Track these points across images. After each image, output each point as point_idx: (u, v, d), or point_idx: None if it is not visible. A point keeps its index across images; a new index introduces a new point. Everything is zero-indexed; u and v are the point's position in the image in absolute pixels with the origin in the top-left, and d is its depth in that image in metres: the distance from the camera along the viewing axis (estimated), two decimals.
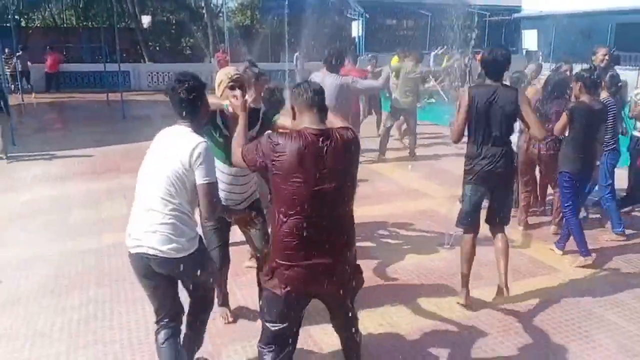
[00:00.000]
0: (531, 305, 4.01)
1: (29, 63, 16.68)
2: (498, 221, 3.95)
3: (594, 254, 4.73)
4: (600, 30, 16.53)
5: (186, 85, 2.64)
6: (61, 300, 4.12)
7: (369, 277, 4.42)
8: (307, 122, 2.47)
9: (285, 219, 2.42)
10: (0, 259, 4.77)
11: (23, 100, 14.97)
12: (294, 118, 2.56)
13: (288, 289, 2.47)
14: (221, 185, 3.08)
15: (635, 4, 16.81)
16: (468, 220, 3.91)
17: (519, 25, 21.20)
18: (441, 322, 3.79)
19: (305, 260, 2.44)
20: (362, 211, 5.47)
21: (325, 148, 2.40)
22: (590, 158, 4.67)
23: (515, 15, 21.43)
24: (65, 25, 27.47)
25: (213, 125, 3.26)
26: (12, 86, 15.73)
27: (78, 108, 15.21)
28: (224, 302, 3.83)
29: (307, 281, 2.48)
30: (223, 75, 3.31)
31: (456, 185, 5.41)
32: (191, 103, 2.67)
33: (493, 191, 3.88)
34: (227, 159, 3.10)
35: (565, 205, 4.73)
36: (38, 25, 27.09)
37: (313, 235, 2.41)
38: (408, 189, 7.08)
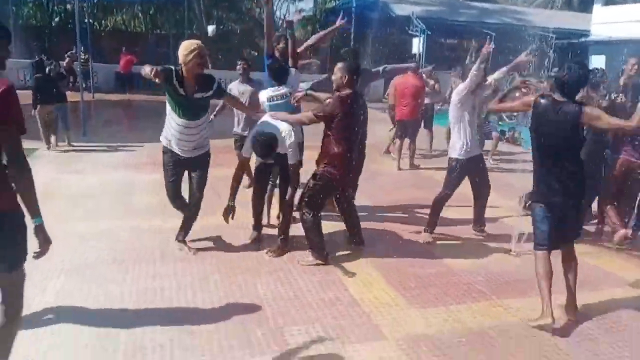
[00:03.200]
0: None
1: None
2: (568, 237, 3.77)
3: None
4: None
5: None
6: (129, 270, 4.24)
7: (435, 276, 4.37)
8: None
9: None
10: (70, 232, 4.96)
11: (93, 97, 15.74)
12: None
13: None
14: (176, 134, 4.29)
15: None
16: (545, 241, 3.71)
17: (586, 49, 20.54)
18: (507, 324, 3.67)
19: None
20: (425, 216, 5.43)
21: None
22: None
23: (583, 39, 20.81)
24: (135, 30, 28.73)
25: (172, 84, 4.11)
26: (84, 84, 16.56)
27: (145, 107, 15.78)
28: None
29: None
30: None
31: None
32: None
33: (562, 208, 3.68)
34: (183, 114, 4.22)
35: None
36: (110, 29, 28.46)
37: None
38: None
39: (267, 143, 4.35)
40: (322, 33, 5.77)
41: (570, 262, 3.76)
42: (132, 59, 18.95)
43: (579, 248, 3.93)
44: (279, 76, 4.99)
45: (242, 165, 4.73)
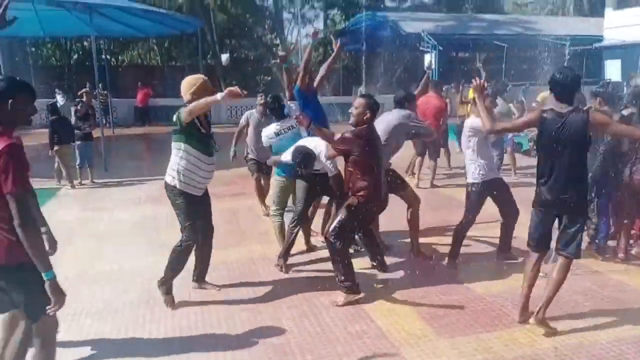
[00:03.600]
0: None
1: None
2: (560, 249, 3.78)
3: None
4: None
5: None
6: (155, 310, 4.27)
7: (463, 303, 4.31)
8: None
9: None
10: (94, 272, 5.02)
11: (114, 132, 16.06)
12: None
13: None
14: (205, 175, 4.24)
15: None
16: (535, 242, 3.87)
17: (600, 55, 20.38)
18: (540, 351, 3.59)
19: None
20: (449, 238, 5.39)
21: None
22: None
23: (597, 45, 20.65)
24: (151, 63, 29.37)
25: (195, 126, 4.11)
26: (103, 119, 16.91)
27: (164, 139, 15.99)
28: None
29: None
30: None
31: None
32: None
33: (561, 219, 3.75)
34: (209, 152, 4.22)
35: None
36: (126, 64, 29.13)
37: None
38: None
39: (306, 151, 4.55)
40: (327, 62, 5.79)
41: (559, 274, 3.75)
42: (149, 92, 19.37)
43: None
44: (279, 114, 5.41)
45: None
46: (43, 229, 3.07)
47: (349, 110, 4.45)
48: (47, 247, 3.01)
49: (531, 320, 3.80)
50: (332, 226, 4.40)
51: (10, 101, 2.56)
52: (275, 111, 5.47)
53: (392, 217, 6.68)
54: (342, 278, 4.36)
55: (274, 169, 5.69)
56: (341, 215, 4.37)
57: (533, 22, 26.71)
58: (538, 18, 29.48)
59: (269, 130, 5.39)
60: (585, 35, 21.55)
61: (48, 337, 2.75)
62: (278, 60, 5.36)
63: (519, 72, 19.42)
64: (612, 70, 19.69)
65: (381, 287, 4.64)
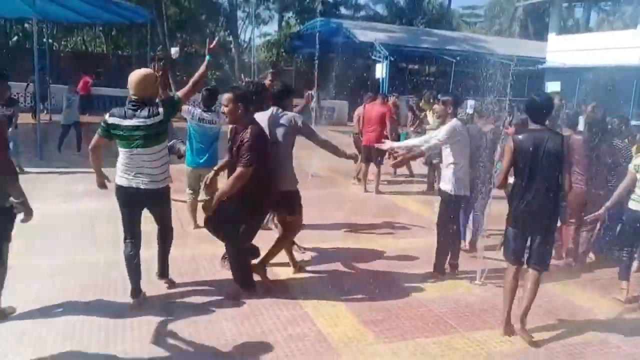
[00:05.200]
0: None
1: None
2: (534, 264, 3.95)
3: None
4: (625, 84, 16.60)
5: None
6: (90, 306, 4.07)
7: (402, 308, 4.35)
8: None
9: None
10: (31, 267, 4.75)
11: (51, 119, 15.31)
12: None
13: None
14: None
15: None
16: (512, 255, 3.99)
17: (542, 76, 21.33)
18: (475, 357, 3.68)
19: None
20: (392, 244, 5.48)
21: None
22: None
23: (540, 66, 21.61)
24: (96, 51, 28.32)
25: None
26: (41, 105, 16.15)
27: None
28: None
29: None
30: None
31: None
32: None
33: (532, 234, 3.90)
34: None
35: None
36: (69, 50, 27.97)
37: None
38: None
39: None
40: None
41: (531, 283, 3.92)
42: (87, 80, 18.67)
43: None
44: (208, 104, 6.13)
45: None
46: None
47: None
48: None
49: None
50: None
51: None
52: (205, 100, 6.02)
53: (335, 218, 6.73)
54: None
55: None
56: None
57: (482, 40, 27.71)
58: (486, 37, 30.58)
59: (195, 110, 5.91)
60: (529, 57, 22.52)
61: None
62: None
63: (466, 87, 20.04)
64: (553, 90, 20.67)
65: (323, 291, 4.61)
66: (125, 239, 4.11)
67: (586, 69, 17.62)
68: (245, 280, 4.42)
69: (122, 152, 3.99)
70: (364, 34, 23.10)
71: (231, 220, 4.24)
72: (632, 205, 4.68)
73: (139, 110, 3.89)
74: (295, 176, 4.66)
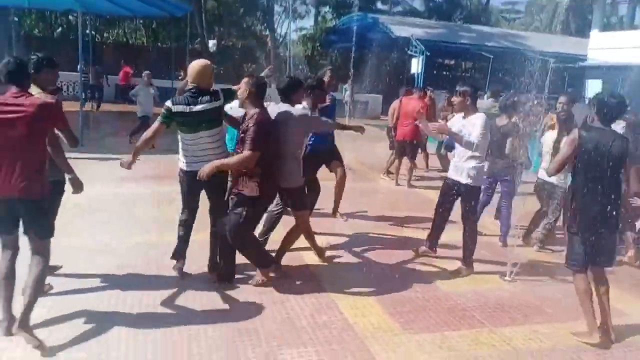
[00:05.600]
0: None
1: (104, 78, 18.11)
2: (599, 263, 3.89)
3: None
4: None
5: None
6: (130, 283, 4.24)
7: (430, 301, 4.37)
8: None
9: None
10: (67, 247, 4.95)
11: (94, 108, 15.81)
12: None
13: None
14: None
15: None
16: (577, 261, 3.90)
17: (583, 74, 20.75)
18: (502, 352, 3.67)
19: None
20: (422, 237, 5.48)
21: None
22: None
23: (580, 64, 21.02)
24: (136, 43, 28.97)
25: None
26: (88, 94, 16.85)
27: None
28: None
29: None
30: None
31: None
32: None
33: (595, 234, 3.80)
34: None
35: None
36: (111, 42, 28.69)
37: None
38: None
39: None
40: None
41: (601, 285, 3.88)
42: (128, 71, 19.21)
43: None
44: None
45: None
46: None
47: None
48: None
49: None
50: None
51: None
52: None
53: (366, 210, 6.77)
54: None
55: None
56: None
57: (520, 36, 27.11)
58: (525, 33, 29.92)
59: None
60: (570, 54, 21.93)
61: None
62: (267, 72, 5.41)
63: (502, 84, 19.71)
64: (594, 89, 20.08)
65: (352, 281, 4.66)
66: (182, 210, 4.54)
67: (629, 67, 17.06)
68: (262, 260, 4.45)
69: (185, 138, 4.28)
70: (401, 29, 22.91)
71: (233, 207, 4.28)
72: None
73: (200, 97, 4.17)
74: (299, 173, 4.59)
